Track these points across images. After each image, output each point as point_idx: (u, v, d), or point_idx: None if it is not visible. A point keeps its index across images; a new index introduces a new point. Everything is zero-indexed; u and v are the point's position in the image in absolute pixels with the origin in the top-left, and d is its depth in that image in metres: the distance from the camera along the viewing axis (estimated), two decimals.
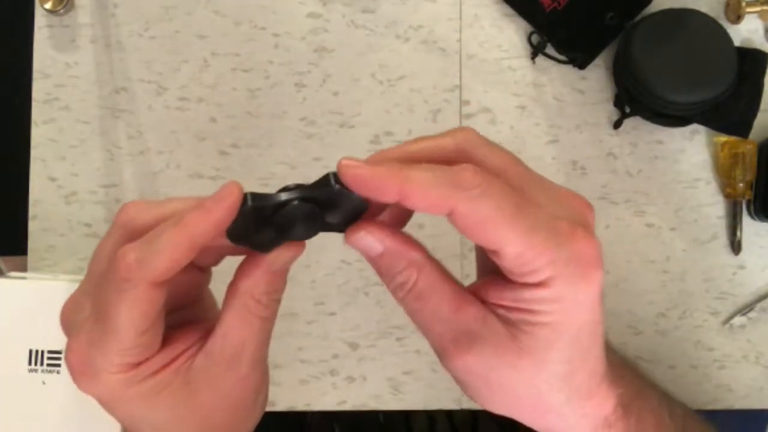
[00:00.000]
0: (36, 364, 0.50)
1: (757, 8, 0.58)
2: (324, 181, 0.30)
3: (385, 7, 0.60)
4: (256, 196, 0.29)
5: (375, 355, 0.59)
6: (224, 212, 0.29)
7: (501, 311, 0.30)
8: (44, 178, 0.59)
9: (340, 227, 0.31)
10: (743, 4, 0.58)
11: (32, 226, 0.59)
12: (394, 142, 0.59)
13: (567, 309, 0.29)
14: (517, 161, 0.31)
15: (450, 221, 0.28)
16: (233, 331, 0.31)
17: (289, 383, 0.58)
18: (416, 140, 0.31)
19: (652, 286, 0.60)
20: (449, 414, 0.77)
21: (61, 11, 0.58)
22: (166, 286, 0.30)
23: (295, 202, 0.29)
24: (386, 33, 0.60)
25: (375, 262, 0.31)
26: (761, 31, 0.60)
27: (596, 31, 0.59)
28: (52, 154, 0.59)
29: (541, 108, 0.60)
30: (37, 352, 0.50)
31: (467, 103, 0.60)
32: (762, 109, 0.57)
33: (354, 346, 0.59)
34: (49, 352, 0.50)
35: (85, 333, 0.31)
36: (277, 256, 0.31)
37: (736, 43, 0.57)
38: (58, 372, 0.50)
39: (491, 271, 0.32)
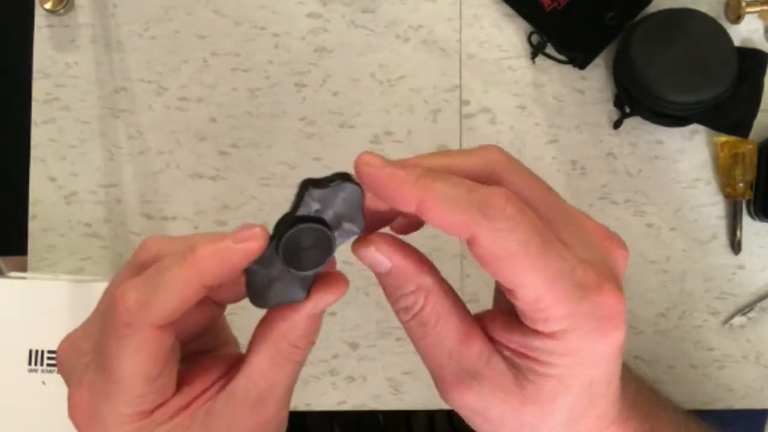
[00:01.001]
0: (36, 364, 0.50)
1: (757, 8, 0.58)
2: (300, 194, 0.27)
3: (385, 7, 0.60)
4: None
5: (375, 355, 0.59)
6: (243, 255, 0.26)
7: (507, 353, 0.28)
8: (44, 178, 0.59)
9: (347, 230, 0.29)
10: (743, 4, 0.58)
11: (32, 226, 0.59)
12: (394, 142, 0.59)
13: (579, 364, 0.27)
14: (549, 190, 0.28)
15: (466, 244, 0.26)
16: (262, 374, 0.29)
17: None
18: (439, 155, 0.28)
19: (651, 286, 0.60)
20: (449, 414, 0.77)
21: (61, 11, 0.58)
22: (174, 326, 0.27)
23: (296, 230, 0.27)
24: (386, 33, 0.60)
25: (381, 278, 0.29)
26: (761, 31, 0.60)
27: (596, 31, 0.59)
28: (52, 154, 0.59)
29: (541, 108, 0.60)
30: (37, 352, 0.50)
31: (467, 103, 0.60)
32: (762, 109, 0.57)
33: (354, 346, 0.59)
34: (49, 352, 0.50)
35: (87, 384, 0.28)
36: (320, 299, 0.28)
37: (736, 43, 0.57)
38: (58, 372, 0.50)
39: (506, 302, 0.29)
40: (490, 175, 0.28)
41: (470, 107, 0.60)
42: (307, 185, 0.27)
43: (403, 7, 0.60)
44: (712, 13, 0.58)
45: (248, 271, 0.27)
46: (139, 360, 0.26)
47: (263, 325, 0.29)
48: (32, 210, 0.59)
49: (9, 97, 0.60)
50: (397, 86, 0.60)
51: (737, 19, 0.59)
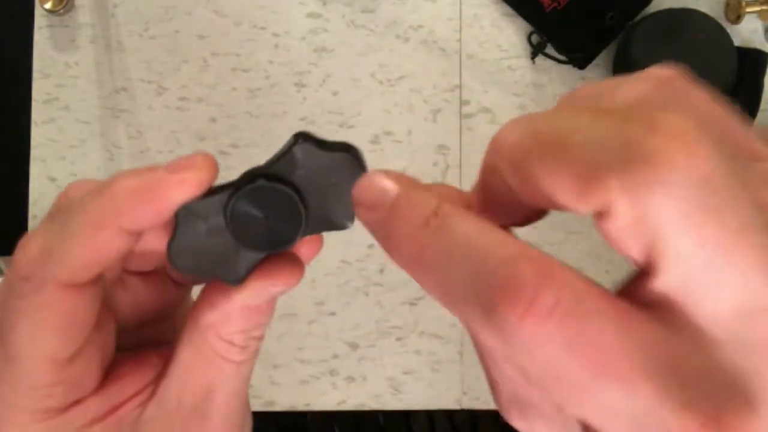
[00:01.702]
0: None
1: (757, 8, 0.58)
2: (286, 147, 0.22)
3: (385, 7, 0.60)
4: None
5: (375, 355, 0.59)
6: (175, 189, 0.20)
7: None
8: (44, 178, 0.59)
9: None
10: (743, 4, 0.58)
11: (32, 225, 0.59)
12: (394, 142, 0.59)
13: None
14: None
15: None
16: (193, 376, 0.23)
17: (289, 383, 0.58)
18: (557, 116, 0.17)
19: None
20: (449, 414, 0.77)
21: (61, 11, 0.58)
22: (92, 291, 0.21)
23: (253, 186, 0.21)
24: (386, 33, 0.60)
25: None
26: (761, 31, 0.60)
27: (596, 31, 0.59)
28: (52, 154, 0.59)
29: (541, 108, 0.60)
30: None
31: (467, 103, 0.60)
32: (762, 109, 0.57)
33: (354, 346, 0.59)
34: None
35: None
36: (260, 289, 0.22)
37: (736, 43, 0.57)
38: None
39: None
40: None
41: (470, 107, 0.60)
42: (302, 138, 0.22)
43: (403, 7, 0.60)
44: (712, 13, 0.58)
45: (179, 215, 0.21)
46: (41, 331, 0.20)
47: (193, 309, 0.23)
48: (32, 210, 0.59)
49: (9, 97, 0.60)
50: (397, 86, 0.60)
51: (737, 19, 0.59)
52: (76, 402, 0.22)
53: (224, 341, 0.23)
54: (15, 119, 0.59)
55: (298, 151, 0.22)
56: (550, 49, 0.59)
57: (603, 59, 0.60)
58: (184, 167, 0.21)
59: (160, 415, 0.23)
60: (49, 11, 0.58)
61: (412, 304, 0.58)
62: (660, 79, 0.18)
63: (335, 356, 0.59)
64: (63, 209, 0.21)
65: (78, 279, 0.20)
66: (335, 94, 0.60)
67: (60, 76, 0.59)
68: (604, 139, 0.15)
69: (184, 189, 0.20)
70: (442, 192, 0.19)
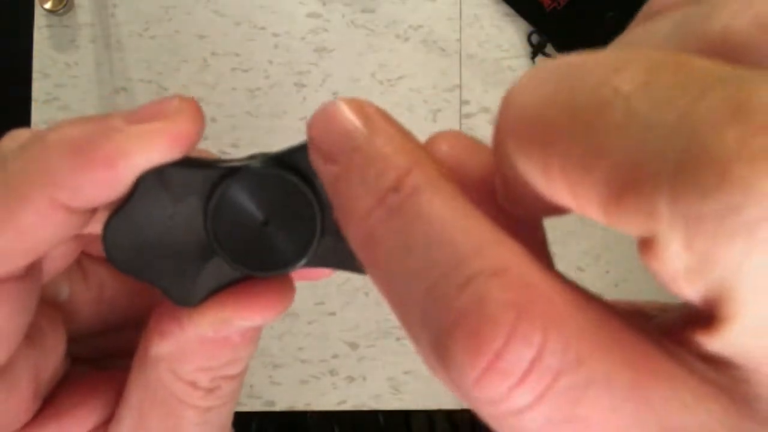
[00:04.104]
0: None
1: None
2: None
3: (385, 7, 0.60)
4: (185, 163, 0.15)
5: (375, 355, 0.59)
6: (136, 149, 0.14)
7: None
8: None
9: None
10: None
11: None
12: None
13: None
14: None
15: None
16: (146, 424, 0.17)
17: (289, 383, 0.58)
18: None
19: (652, 286, 0.60)
20: (449, 414, 0.77)
21: (61, 11, 0.58)
22: (20, 288, 0.15)
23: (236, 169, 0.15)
24: (386, 33, 0.60)
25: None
26: None
27: (596, 30, 0.59)
28: None
29: None
30: None
31: (467, 103, 0.60)
32: None
33: (354, 346, 0.59)
34: None
35: None
36: (225, 320, 0.16)
37: None
38: None
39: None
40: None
41: (470, 107, 0.60)
42: None
43: (403, 7, 0.60)
44: None
45: (141, 182, 0.15)
46: None
47: (144, 332, 0.17)
48: None
49: (9, 97, 0.60)
50: (397, 86, 0.60)
51: None
52: None
53: (183, 382, 0.16)
54: (15, 119, 0.59)
55: None
56: (550, 49, 0.59)
57: None
58: (151, 115, 0.14)
59: None
60: (49, 11, 0.58)
61: None
62: None
63: (335, 356, 0.59)
64: None
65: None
66: (335, 94, 0.60)
67: (60, 76, 0.59)
68: (659, 121, 0.09)
69: (150, 148, 0.14)
70: (438, 145, 0.13)
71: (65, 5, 0.58)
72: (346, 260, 0.15)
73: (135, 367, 0.17)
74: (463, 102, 0.60)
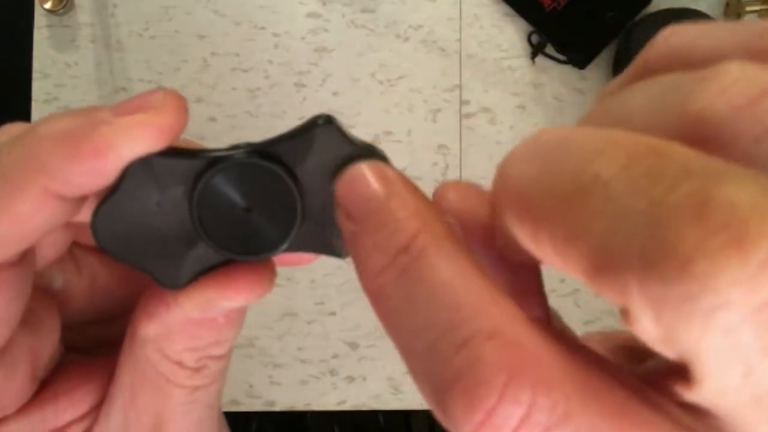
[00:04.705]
0: None
1: (757, 8, 0.58)
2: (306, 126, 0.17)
3: (385, 7, 0.60)
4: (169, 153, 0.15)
5: (375, 355, 0.59)
6: (124, 138, 0.15)
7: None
8: None
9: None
10: (743, 3, 0.58)
11: None
12: (394, 141, 0.59)
13: None
14: None
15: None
16: (137, 403, 0.18)
17: (289, 383, 0.58)
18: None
19: None
20: None
21: (61, 11, 0.58)
22: (14, 274, 0.16)
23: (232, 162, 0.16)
24: (386, 33, 0.60)
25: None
26: None
27: (596, 30, 0.59)
28: None
29: (541, 108, 0.60)
30: None
31: (467, 102, 0.60)
32: None
33: (354, 346, 0.59)
34: None
35: None
36: (209, 300, 0.16)
37: None
38: None
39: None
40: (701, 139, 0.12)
41: (470, 107, 0.60)
42: (326, 121, 0.17)
43: (403, 7, 0.60)
44: (712, 13, 0.58)
45: (128, 171, 0.15)
46: None
47: (132, 314, 0.18)
48: None
49: (9, 97, 0.60)
50: (397, 86, 0.60)
51: (737, 18, 0.59)
52: None
53: (170, 361, 0.17)
54: (15, 119, 0.59)
55: (320, 134, 0.16)
56: (550, 49, 0.59)
57: (603, 59, 0.60)
58: (137, 107, 0.15)
59: None
60: (49, 11, 0.58)
61: None
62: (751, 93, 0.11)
63: (335, 356, 0.59)
64: None
65: None
66: (335, 94, 0.60)
67: (60, 76, 0.59)
68: (632, 209, 0.10)
69: (136, 139, 0.15)
70: (446, 193, 0.14)
71: (65, 5, 0.58)
72: (326, 245, 0.17)
73: (125, 348, 0.18)
74: (463, 102, 0.60)
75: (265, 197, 0.16)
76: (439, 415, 0.12)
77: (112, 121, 0.15)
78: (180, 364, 0.17)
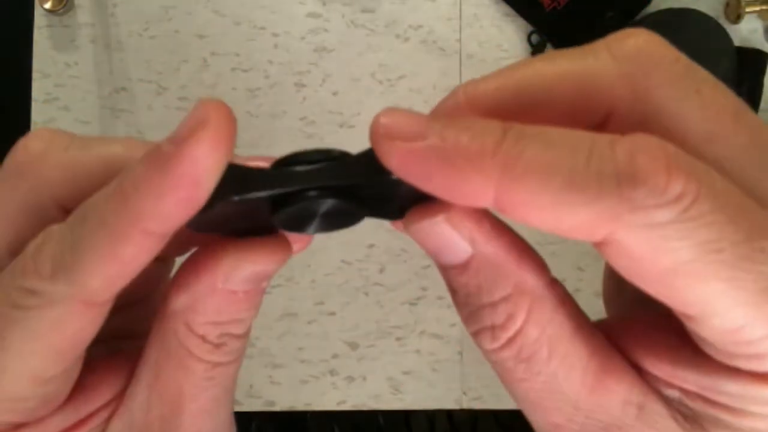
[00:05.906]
0: None
1: (757, 8, 0.58)
2: (370, 160, 0.18)
3: (385, 7, 0.60)
4: (246, 177, 0.17)
5: (375, 355, 0.59)
6: (199, 152, 0.16)
7: (674, 395, 0.17)
8: None
9: (390, 213, 0.19)
10: (743, 3, 0.58)
11: None
12: None
13: None
14: (742, 113, 0.16)
15: (596, 248, 0.16)
16: (161, 379, 0.19)
17: (289, 383, 0.58)
18: (530, 62, 0.17)
19: None
20: (449, 414, 0.77)
21: (61, 11, 0.58)
22: (108, 306, 0.17)
23: (316, 195, 0.17)
24: (386, 33, 0.60)
25: (451, 275, 0.18)
26: (761, 31, 0.60)
27: (596, 30, 0.59)
28: None
29: None
30: None
31: None
32: (762, 108, 0.57)
33: (354, 346, 0.59)
34: None
35: None
36: (242, 262, 0.18)
37: (736, 43, 0.57)
38: None
39: (652, 309, 0.17)
40: (634, 101, 0.16)
41: None
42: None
43: (403, 7, 0.60)
44: (712, 13, 0.58)
45: (213, 201, 0.17)
46: (36, 348, 0.17)
47: (166, 289, 0.19)
48: None
49: (9, 97, 0.60)
50: (397, 86, 0.60)
51: (737, 18, 0.59)
52: (39, 420, 0.18)
53: (195, 335, 0.18)
54: (15, 119, 0.59)
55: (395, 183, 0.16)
56: (550, 49, 0.59)
57: None
58: (194, 127, 0.16)
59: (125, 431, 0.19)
60: (49, 11, 0.58)
61: (412, 304, 0.58)
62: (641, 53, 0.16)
63: (335, 356, 0.59)
64: (29, 174, 0.18)
65: (98, 298, 0.17)
66: (335, 93, 0.60)
67: (60, 76, 0.59)
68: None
69: (208, 154, 0.16)
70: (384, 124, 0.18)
71: (65, 5, 0.58)
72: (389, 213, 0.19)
73: (153, 327, 0.19)
74: None
75: (334, 218, 0.18)
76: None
77: (177, 152, 0.16)
78: (203, 337, 0.18)
